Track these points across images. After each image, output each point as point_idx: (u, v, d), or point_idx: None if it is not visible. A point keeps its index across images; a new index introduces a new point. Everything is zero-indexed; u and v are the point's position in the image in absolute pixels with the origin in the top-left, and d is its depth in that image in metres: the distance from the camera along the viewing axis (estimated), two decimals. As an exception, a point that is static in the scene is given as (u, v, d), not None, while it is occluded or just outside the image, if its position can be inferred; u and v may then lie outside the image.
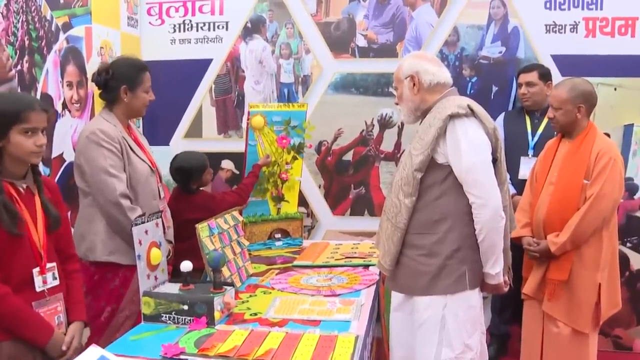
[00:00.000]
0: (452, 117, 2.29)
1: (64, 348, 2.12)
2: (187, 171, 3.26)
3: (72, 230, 2.92)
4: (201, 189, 3.39)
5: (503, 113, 3.76)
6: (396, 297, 2.54)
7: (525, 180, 3.25)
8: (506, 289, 2.48)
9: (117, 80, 2.79)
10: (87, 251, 2.73)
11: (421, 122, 2.47)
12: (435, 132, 2.30)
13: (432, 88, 2.44)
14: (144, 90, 2.85)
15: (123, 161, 2.73)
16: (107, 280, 2.74)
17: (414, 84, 2.44)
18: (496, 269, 2.35)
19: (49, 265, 2.14)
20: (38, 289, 2.10)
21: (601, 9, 3.76)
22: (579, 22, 3.78)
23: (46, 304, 2.12)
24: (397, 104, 2.56)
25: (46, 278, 2.13)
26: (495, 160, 2.37)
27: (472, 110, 2.32)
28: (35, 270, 2.09)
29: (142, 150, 2.88)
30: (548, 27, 3.82)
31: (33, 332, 2.05)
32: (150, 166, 2.86)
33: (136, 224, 2.34)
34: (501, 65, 3.91)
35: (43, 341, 2.07)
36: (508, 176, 2.51)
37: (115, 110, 2.83)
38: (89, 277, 2.75)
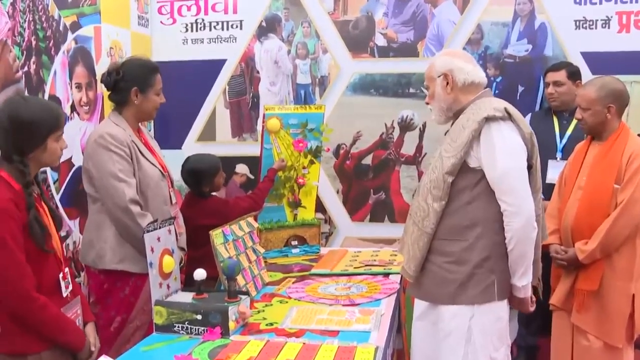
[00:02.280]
0: (488, 119, 2.30)
1: (92, 349, 2.22)
2: (199, 173, 3.29)
3: (81, 237, 2.96)
4: (214, 194, 3.41)
5: (529, 114, 3.73)
6: (420, 305, 2.54)
7: (552, 185, 3.24)
8: (532, 308, 2.46)
9: (128, 82, 2.81)
10: (96, 259, 2.76)
11: (452, 123, 2.48)
12: (470, 135, 2.30)
13: (466, 87, 2.44)
14: (155, 93, 2.87)
15: (132, 166, 2.75)
16: (117, 289, 2.76)
17: (447, 83, 2.44)
18: (523, 281, 2.34)
19: (66, 270, 2.21)
20: (64, 294, 2.17)
21: (636, 1, 3.72)
22: (611, 16, 3.75)
23: (70, 309, 2.19)
24: (427, 103, 2.55)
25: (68, 283, 2.20)
26: (530, 167, 2.37)
27: (509, 113, 2.32)
28: (60, 276, 2.16)
29: (152, 154, 2.90)
30: (578, 22, 3.80)
31: (71, 338, 2.14)
32: (161, 170, 2.88)
33: (148, 231, 2.35)
34: (527, 64, 3.89)
35: (79, 346, 2.17)
36: (541, 184, 2.49)
37: (125, 112, 2.85)
38: (98, 285, 2.78)
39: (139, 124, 2.97)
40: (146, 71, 2.86)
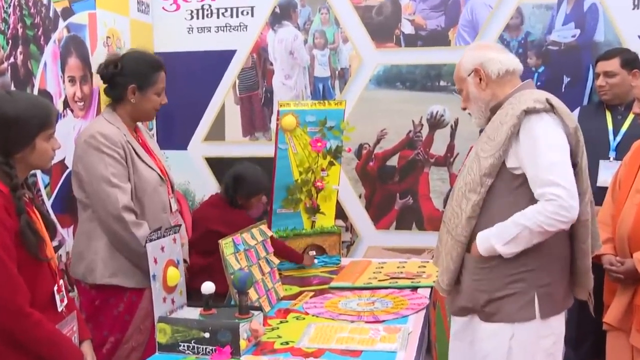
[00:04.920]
0: (528, 112, 2.27)
1: None
2: (243, 182, 3.21)
3: (72, 248, 2.95)
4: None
5: (578, 109, 3.71)
6: (455, 323, 2.53)
7: (604, 188, 3.18)
8: None
9: (126, 77, 2.79)
10: (86, 272, 2.74)
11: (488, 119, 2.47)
12: (508, 131, 2.28)
13: (501, 79, 2.43)
14: (155, 92, 2.85)
15: (127, 169, 2.74)
16: (110, 305, 2.74)
17: (480, 79, 2.44)
18: (503, 248, 2.28)
19: (60, 282, 2.20)
20: (59, 309, 2.16)
21: None
22: (679, -9, 3.71)
23: (66, 325, 2.18)
24: (464, 108, 2.55)
25: (63, 296, 2.19)
26: (574, 166, 2.33)
27: (551, 105, 2.29)
28: (55, 289, 2.15)
29: (150, 156, 2.89)
30: (636, 1, 3.74)
31: (67, 357, 2.12)
32: (159, 174, 2.87)
33: (151, 240, 2.36)
34: (575, 52, 3.85)
35: None
36: (590, 185, 2.45)
37: (120, 110, 2.84)
38: (89, 302, 2.77)
39: (137, 122, 2.95)
40: (148, 68, 2.84)
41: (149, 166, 2.84)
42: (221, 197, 3.32)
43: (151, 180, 2.82)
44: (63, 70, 3.25)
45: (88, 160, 2.70)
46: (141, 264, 2.58)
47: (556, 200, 2.20)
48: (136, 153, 2.80)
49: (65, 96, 3.27)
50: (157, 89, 2.85)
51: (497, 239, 2.29)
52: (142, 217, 2.74)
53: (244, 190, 3.24)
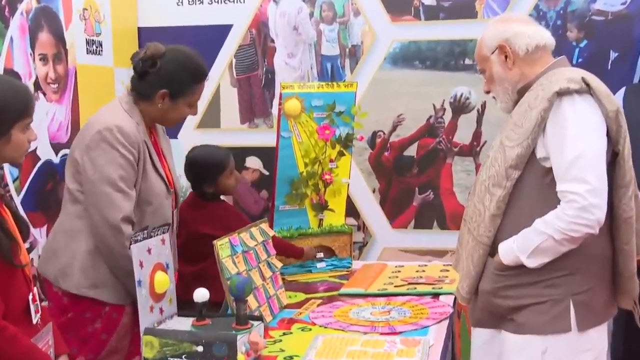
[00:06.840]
0: (560, 94, 2.26)
1: None
2: (199, 168, 3.26)
3: (46, 241, 2.93)
4: (222, 197, 3.43)
5: (623, 88, 3.67)
6: (479, 335, 2.54)
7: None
8: None
9: (160, 78, 2.76)
10: (59, 275, 2.72)
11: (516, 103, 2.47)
12: (538, 116, 2.28)
13: (530, 55, 2.43)
14: (187, 104, 2.83)
15: (137, 174, 2.73)
16: (85, 320, 2.72)
17: (507, 56, 2.44)
18: (528, 260, 2.30)
19: (35, 289, 2.19)
20: (34, 320, 2.15)
21: None
22: None
23: (41, 339, 2.17)
24: (487, 92, 2.56)
25: (37, 307, 2.18)
26: (615, 155, 2.32)
27: (587, 85, 2.28)
28: (29, 298, 2.14)
29: (161, 162, 2.88)
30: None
31: None
32: (167, 185, 2.86)
33: (137, 241, 2.34)
34: (625, 22, 3.82)
35: None
36: (634, 177, 2.43)
37: (142, 106, 2.81)
38: (60, 310, 2.72)
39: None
40: (189, 77, 2.80)
41: (160, 174, 2.83)
42: (195, 194, 3.32)
43: (159, 192, 2.82)
44: (33, 47, 3.24)
45: (97, 155, 2.67)
46: (125, 280, 2.60)
47: (576, 201, 2.20)
48: (150, 157, 2.79)
49: (37, 77, 3.26)
50: (190, 100, 2.84)
51: (521, 250, 2.30)
52: (137, 227, 2.69)
53: (204, 175, 3.24)
